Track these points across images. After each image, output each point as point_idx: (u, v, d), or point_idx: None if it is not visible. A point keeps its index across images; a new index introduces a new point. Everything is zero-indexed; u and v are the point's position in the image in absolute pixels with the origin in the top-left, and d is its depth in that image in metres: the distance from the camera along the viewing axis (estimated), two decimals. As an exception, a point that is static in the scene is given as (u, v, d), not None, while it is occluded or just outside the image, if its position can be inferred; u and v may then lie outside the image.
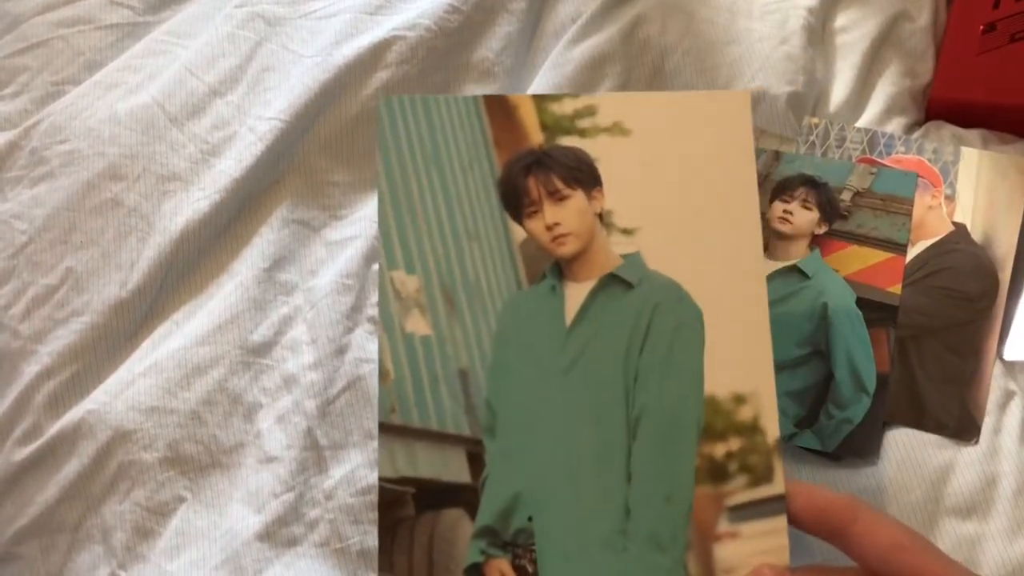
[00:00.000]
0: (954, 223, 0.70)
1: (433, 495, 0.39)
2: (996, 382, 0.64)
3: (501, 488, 0.40)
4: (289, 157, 0.73)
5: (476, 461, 0.40)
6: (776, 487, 0.40)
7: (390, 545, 0.39)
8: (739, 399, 0.41)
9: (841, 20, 0.82)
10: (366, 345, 0.66)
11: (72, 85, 0.76)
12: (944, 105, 0.77)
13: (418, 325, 0.40)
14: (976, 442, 0.62)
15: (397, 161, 0.42)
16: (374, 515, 0.61)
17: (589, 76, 0.75)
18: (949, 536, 0.59)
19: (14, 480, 0.64)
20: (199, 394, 0.65)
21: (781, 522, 0.39)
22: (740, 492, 0.40)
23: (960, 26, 0.79)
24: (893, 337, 0.65)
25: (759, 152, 0.72)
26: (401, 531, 0.39)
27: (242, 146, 0.72)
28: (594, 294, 0.42)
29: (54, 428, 0.64)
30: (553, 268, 0.42)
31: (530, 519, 0.40)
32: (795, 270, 0.64)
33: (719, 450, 0.40)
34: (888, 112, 0.77)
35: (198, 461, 0.64)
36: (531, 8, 0.80)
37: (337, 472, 0.63)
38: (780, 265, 0.65)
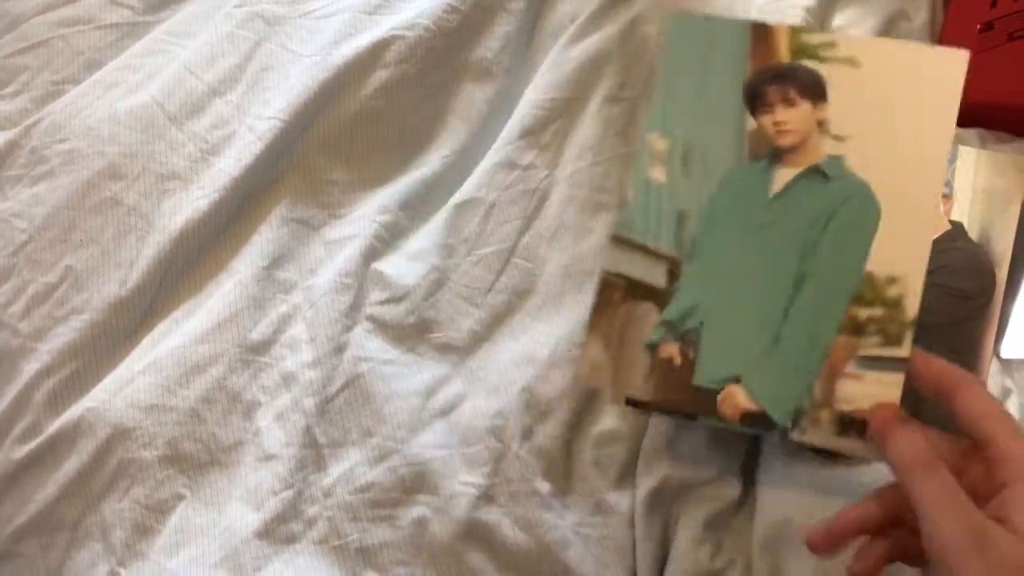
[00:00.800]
0: (951, 221, 0.70)
1: (637, 290, 0.54)
2: (993, 380, 0.64)
3: (686, 297, 0.53)
4: (288, 156, 0.73)
5: (673, 276, 0.54)
6: (903, 351, 0.49)
7: (599, 317, 0.54)
8: (891, 280, 0.51)
9: (839, 20, 0.82)
10: (365, 343, 0.66)
11: (72, 84, 0.77)
12: (941, 104, 0.77)
13: (658, 173, 0.55)
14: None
15: (676, 59, 0.56)
16: (372, 512, 0.61)
17: (588, 76, 0.75)
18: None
19: (13, 478, 0.64)
20: (198, 392, 0.65)
21: (899, 378, 0.49)
22: (872, 348, 0.50)
23: (957, 25, 0.79)
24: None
25: None
26: (608, 309, 0.54)
27: (241, 145, 0.72)
28: (799, 178, 0.53)
29: (54, 426, 0.64)
30: (771, 153, 0.53)
31: (701, 323, 0.53)
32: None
33: (864, 313, 0.51)
34: (886, 111, 0.77)
35: (197, 459, 0.64)
36: (529, 8, 0.80)
37: (336, 470, 0.63)
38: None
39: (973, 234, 0.70)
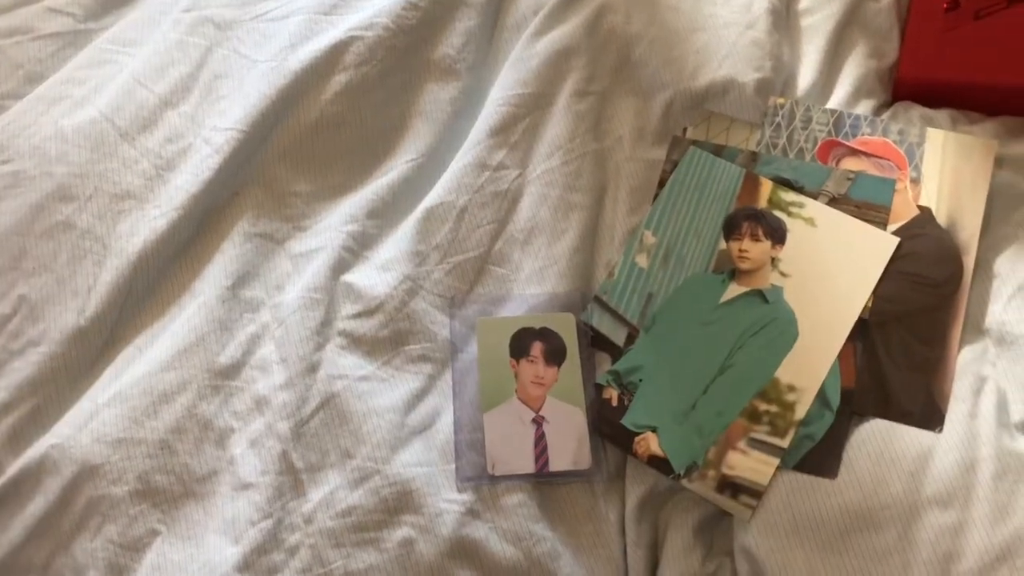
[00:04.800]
0: (919, 206, 0.70)
1: (601, 342, 0.67)
2: (969, 367, 0.64)
3: (635, 358, 0.66)
4: (248, 168, 0.71)
5: (630, 339, 0.67)
6: (784, 443, 0.62)
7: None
8: (791, 388, 0.64)
9: (804, 2, 0.81)
10: (338, 360, 0.65)
11: (12, 100, 0.73)
12: (910, 86, 0.77)
13: (642, 260, 0.69)
14: (940, 430, 0.62)
15: (681, 178, 0.71)
16: (356, 537, 0.60)
17: (554, 70, 0.74)
18: (931, 527, 0.58)
19: (-24, 521, 0.62)
20: (167, 422, 0.62)
21: (775, 461, 0.62)
22: (761, 433, 0.63)
23: (923, 5, 0.78)
24: (860, 351, 0.65)
25: (735, 152, 0.72)
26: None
27: (198, 159, 0.69)
28: (745, 295, 0.67)
29: (16, 466, 0.61)
30: (731, 271, 0.68)
31: (640, 380, 0.65)
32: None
33: (763, 407, 0.64)
34: (856, 94, 0.76)
35: (171, 492, 0.62)
36: (490, 1, 0.78)
37: (315, 495, 0.61)
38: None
39: (940, 219, 0.69)
